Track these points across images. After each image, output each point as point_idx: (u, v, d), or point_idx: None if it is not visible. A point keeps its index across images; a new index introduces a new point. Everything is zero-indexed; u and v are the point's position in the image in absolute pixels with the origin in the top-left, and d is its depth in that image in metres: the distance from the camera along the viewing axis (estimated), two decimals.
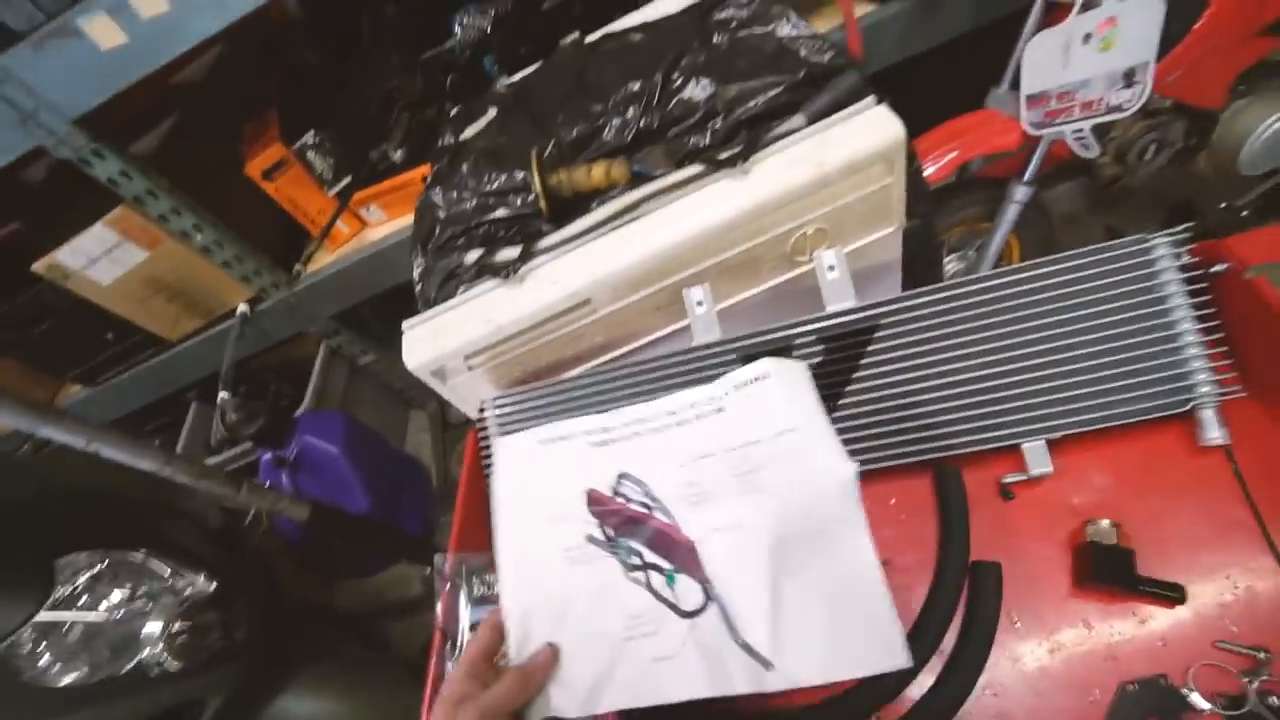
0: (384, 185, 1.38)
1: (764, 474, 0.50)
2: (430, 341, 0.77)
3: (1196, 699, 0.46)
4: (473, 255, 0.82)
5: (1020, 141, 1.08)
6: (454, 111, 1.07)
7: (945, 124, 1.16)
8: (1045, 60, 1.00)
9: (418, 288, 0.88)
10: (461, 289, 0.80)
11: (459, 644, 0.65)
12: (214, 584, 0.89)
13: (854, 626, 0.45)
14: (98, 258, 1.20)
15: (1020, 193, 1.10)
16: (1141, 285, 0.55)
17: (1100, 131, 1.19)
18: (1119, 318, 0.56)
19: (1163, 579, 0.50)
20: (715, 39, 0.83)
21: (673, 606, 0.48)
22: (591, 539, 0.52)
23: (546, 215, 0.79)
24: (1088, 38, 0.94)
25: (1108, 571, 0.51)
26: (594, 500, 0.53)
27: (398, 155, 1.36)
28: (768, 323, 0.65)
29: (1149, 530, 0.53)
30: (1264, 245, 0.55)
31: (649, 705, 0.45)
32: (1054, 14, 1.04)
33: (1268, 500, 0.52)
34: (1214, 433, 0.54)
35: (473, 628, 0.66)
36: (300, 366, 1.63)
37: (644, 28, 0.93)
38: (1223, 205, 1.26)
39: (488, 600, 0.68)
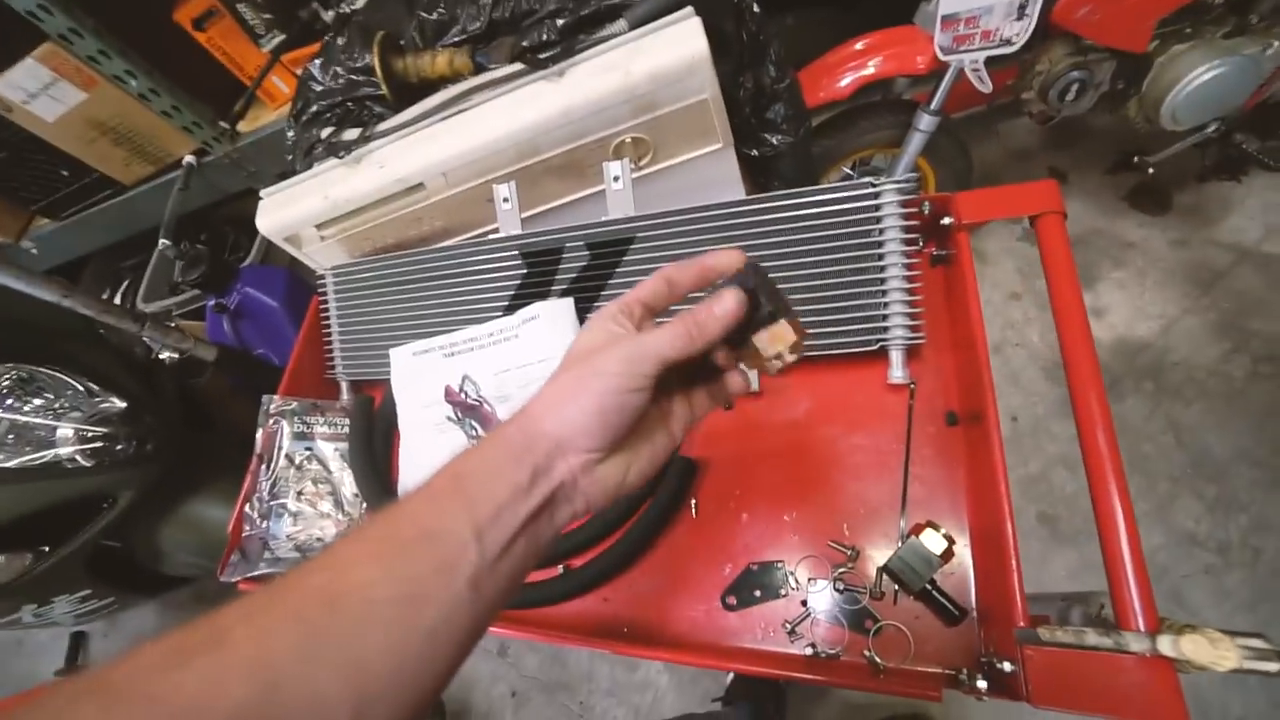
0: (317, 46, 1.37)
1: (535, 385, 0.67)
2: (279, 210, 0.84)
3: (791, 580, 0.56)
4: (327, 132, 0.86)
5: (931, 66, 1.03)
6: None
7: (872, 34, 1.10)
8: None
9: (288, 158, 0.93)
10: (317, 164, 0.86)
11: (273, 468, 0.78)
12: (124, 403, 1.03)
13: None
14: (36, 93, 1.25)
15: (925, 121, 1.06)
16: (865, 227, 0.59)
17: (1024, 67, 1.13)
18: (840, 255, 0.60)
19: None
20: None
21: None
22: (448, 418, 0.74)
23: (391, 100, 0.82)
24: None
25: None
26: (448, 393, 0.74)
27: (329, 15, 1.34)
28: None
29: (826, 450, 0.61)
30: (977, 204, 0.57)
31: None
32: None
33: (921, 437, 0.58)
34: (898, 372, 0.59)
35: (288, 457, 0.79)
36: None
37: None
38: (1148, 158, 1.20)
39: (305, 437, 0.80)
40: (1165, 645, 0.36)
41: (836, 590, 0.54)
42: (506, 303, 0.73)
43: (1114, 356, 1.29)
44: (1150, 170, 1.24)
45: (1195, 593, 1.12)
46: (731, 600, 0.57)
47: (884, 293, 0.59)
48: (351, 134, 0.82)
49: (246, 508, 0.74)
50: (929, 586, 0.50)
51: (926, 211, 0.60)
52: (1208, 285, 1.29)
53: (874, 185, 0.58)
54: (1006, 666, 0.42)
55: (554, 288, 0.71)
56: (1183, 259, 1.33)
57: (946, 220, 0.59)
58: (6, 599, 1.07)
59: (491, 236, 0.75)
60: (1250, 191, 1.35)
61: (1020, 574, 0.43)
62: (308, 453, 0.79)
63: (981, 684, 0.42)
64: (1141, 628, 0.40)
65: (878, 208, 0.59)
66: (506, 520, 0.29)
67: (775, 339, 0.34)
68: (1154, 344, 1.29)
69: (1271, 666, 0.35)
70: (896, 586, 0.53)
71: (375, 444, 0.78)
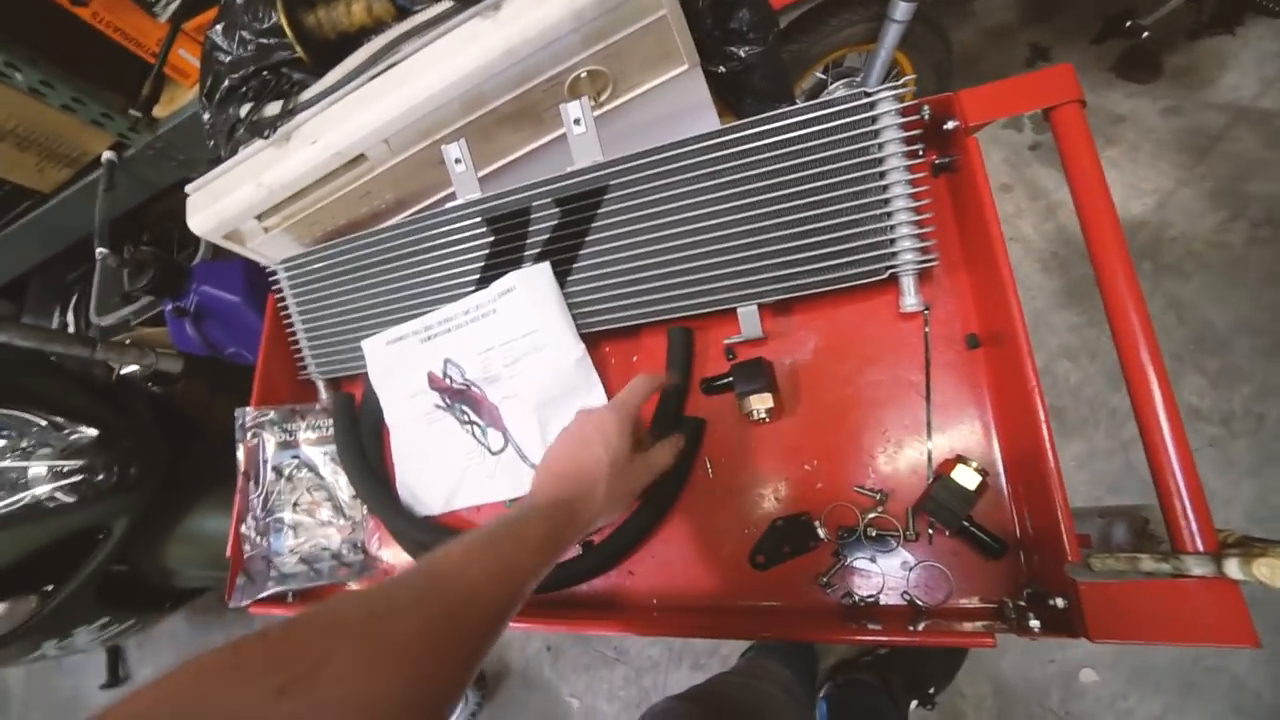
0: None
1: (523, 362, 0.65)
2: (210, 207, 0.76)
3: (822, 532, 0.54)
4: (246, 109, 0.76)
5: None
6: None
7: None
8: None
9: (210, 144, 0.83)
10: (242, 147, 0.77)
11: (262, 483, 0.74)
12: (96, 431, 0.98)
13: None
14: None
15: (901, 10, 0.97)
16: (861, 144, 0.53)
17: None
18: (835, 179, 0.54)
19: None
20: None
21: (487, 448, 0.68)
22: (437, 405, 0.70)
23: (309, 63, 0.72)
24: None
25: None
26: (432, 380, 0.70)
27: None
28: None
29: (840, 390, 0.57)
30: (984, 102, 0.51)
31: (479, 504, 0.69)
32: None
33: (941, 365, 0.55)
34: (910, 300, 0.55)
35: (275, 470, 0.75)
36: None
37: None
38: (1140, 20, 1.11)
39: (290, 445, 0.76)
40: (1233, 570, 0.34)
41: (868, 537, 0.52)
42: (478, 275, 0.67)
43: None
44: (1145, 34, 1.16)
45: (1201, 466, 1.13)
46: (760, 559, 0.55)
47: (889, 215, 0.53)
48: (274, 108, 0.73)
49: (243, 528, 0.71)
50: (967, 523, 0.48)
51: (927, 117, 0.54)
52: (1203, 151, 1.24)
53: (868, 95, 0.52)
54: (1059, 603, 0.40)
55: (527, 253, 0.65)
56: (1175, 127, 1.27)
57: (950, 124, 0.53)
58: (23, 640, 1.05)
59: (450, 204, 0.68)
60: (1245, 43, 1.27)
61: (1067, 507, 0.41)
62: (295, 461, 0.75)
63: (1034, 624, 0.41)
64: (1200, 548, 0.37)
65: (874, 119, 0.52)
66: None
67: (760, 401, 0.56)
68: (1150, 221, 1.25)
69: None
70: (930, 528, 0.51)
71: (365, 442, 0.74)
